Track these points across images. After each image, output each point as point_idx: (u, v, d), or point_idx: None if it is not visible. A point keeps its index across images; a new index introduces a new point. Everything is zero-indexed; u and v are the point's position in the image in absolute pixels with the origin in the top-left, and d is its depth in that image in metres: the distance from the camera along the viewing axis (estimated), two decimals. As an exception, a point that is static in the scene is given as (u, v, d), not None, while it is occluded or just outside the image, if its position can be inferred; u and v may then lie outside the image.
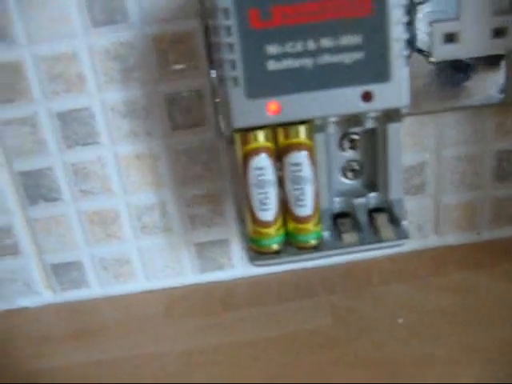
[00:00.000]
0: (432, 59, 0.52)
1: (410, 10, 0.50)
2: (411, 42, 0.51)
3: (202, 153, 0.54)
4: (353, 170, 0.50)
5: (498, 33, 0.52)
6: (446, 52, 0.52)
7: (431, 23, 0.51)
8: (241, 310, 0.56)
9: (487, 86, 0.54)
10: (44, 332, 0.57)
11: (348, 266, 0.59)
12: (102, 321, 0.57)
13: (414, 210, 0.59)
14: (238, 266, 0.59)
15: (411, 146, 0.56)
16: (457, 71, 0.53)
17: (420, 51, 0.51)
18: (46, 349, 0.54)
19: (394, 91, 0.42)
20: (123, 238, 0.57)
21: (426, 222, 0.59)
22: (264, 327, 0.53)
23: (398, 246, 0.47)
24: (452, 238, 0.60)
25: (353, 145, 0.49)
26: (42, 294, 0.60)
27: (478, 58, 0.52)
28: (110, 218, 0.56)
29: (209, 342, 0.52)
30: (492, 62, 0.53)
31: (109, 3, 0.49)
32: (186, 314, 0.56)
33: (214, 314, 0.56)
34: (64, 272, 0.59)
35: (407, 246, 0.56)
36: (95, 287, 0.60)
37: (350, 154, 0.49)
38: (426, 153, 0.56)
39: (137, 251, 0.58)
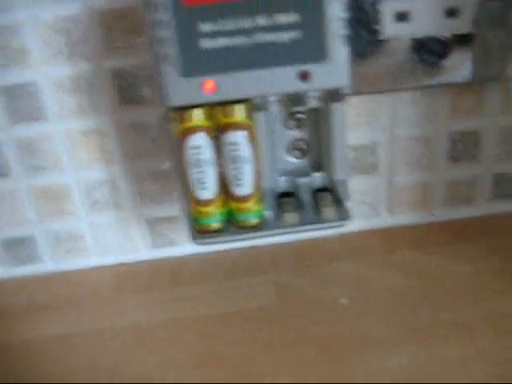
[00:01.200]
0: (382, 37, 0.51)
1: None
2: (360, 21, 0.50)
3: (151, 129, 0.53)
4: (299, 149, 0.49)
5: (451, 13, 0.51)
6: (396, 30, 0.51)
7: (381, 1, 0.50)
8: (190, 286, 0.56)
9: (454, 65, 0.53)
10: (-4, 307, 0.57)
11: (298, 244, 0.59)
12: (55, 296, 0.57)
13: (367, 189, 0.58)
14: (188, 243, 0.58)
15: (364, 125, 0.55)
16: (423, 51, 0.52)
17: (370, 30, 0.50)
18: (-2, 324, 0.54)
19: (333, 71, 0.41)
20: (75, 213, 0.57)
21: (380, 201, 0.59)
22: (211, 304, 0.53)
23: (340, 226, 0.47)
24: (405, 218, 0.60)
25: (298, 124, 0.48)
26: (-6, 269, 0.60)
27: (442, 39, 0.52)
28: (61, 194, 0.56)
29: (157, 318, 0.52)
30: (459, 42, 0.52)
31: (52, -24, 0.47)
32: (136, 289, 0.56)
33: (164, 290, 0.56)
34: (16, 247, 0.59)
35: (360, 225, 0.57)
36: (48, 263, 0.60)
37: (296, 133, 0.49)
38: (379, 132, 0.56)
39: (88, 227, 0.58)
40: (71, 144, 0.53)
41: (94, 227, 0.58)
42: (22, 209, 0.57)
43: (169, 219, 0.58)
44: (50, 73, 0.50)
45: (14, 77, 0.50)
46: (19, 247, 0.58)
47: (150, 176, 0.55)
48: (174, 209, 0.57)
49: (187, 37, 0.39)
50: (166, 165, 0.54)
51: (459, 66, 0.53)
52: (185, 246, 0.59)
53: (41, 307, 0.56)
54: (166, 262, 0.59)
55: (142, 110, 0.52)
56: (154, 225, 0.58)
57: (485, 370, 0.42)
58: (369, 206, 0.59)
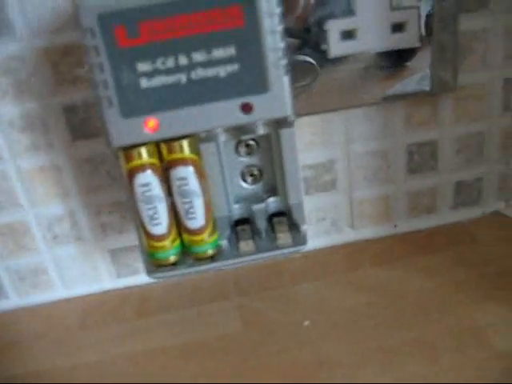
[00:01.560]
0: (329, 56, 0.51)
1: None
2: (308, 42, 0.50)
3: (104, 162, 0.53)
4: (252, 175, 0.49)
5: (397, 28, 0.51)
6: (344, 48, 0.51)
7: (327, 20, 0.50)
8: (154, 315, 0.56)
9: (409, 77, 0.53)
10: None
11: (261, 265, 0.59)
12: (21, 333, 0.57)
13: (327, 206, 0.59)
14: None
15: (319, 144, 0.55)
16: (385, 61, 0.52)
17: (317, 50, 0.50)
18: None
19: (275, 101, 0.41)
20: (36, 248, 0.57)
21: (341, 217, 0.59)
22: (176, 334, 0.53)
23: (297, 251, 0.47)
24: (369, 232, 0.61)
25: (249, 150, 0.48)
26: (-41, 308, 0.60)
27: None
28: (21, 230, 0.56)
29: (121, 352, 0.52)
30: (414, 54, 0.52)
31: (-8, 16, 0.47)
32: (101, 322, 0.56)
33: (129, 321, 0.56)
34: (-20, 285, 0.58)
35: (323, 241, 0.57)
36: (13, 298, 0.60)
37: (247, 159, 0.48)
38: (335, 149, 0.56)
39: (51, 261, 0.58)
40: (26, 181, 0.53)
41: (56, 261, 0.58)
42: (-18, 247, 0.56)
43: (131, 248, 0.58)
44: (1, 113, 0.50)
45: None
46: (-17, 285, 0.58)
47: (109, 207, 0.55)
48: (134, 238, 0.56)
49: (125, 78, 0.39)
50: (123, 196, 0.54)
51: (419, 70, 0.53)
52: (149, 275, 0.59)
53: (7, 344, 0.55)
54: (131, 290, 0.59)
55: (95, 143, 0.52)
56: (117, 255, 0.58)
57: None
58: (330, 223, 0.59)
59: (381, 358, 0.46)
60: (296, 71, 0.49)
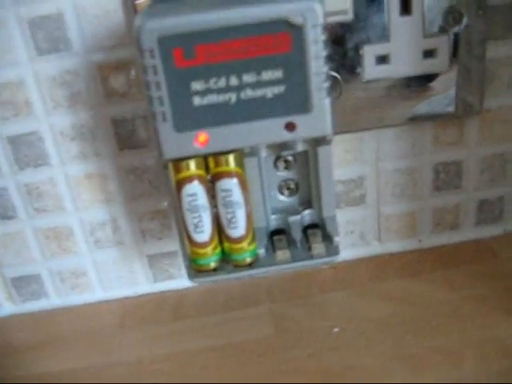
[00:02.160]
0: (364, 80, 0.54)
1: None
2: (343, 64, 0.53)
3: (148, 171, 0.56)
4: (289, 189, 0.52)
5: (429, 54, 0.54)
6: (377, 73, 0.54)
7: (362, 46, 0.53)
8: (190, 319, 0.58)
9: (436, 99, 0.56)
10: (4, 343, 0.59)
11: (292, 275, 0.62)
12: (61, 331, 0.60)
13: (356, 219, 0.61)
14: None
15: (351, 161, 0.58)
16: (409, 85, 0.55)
17: (353, 72, 0.53)
18: (6, 359, 0.57)
19: (316, 121, 0.44)
20: (78, 252, 0.60)
21: (368, 230, 0.62)
22: (211, 336, 0.56)
23: (330, 262, 0.50)
24: (394, 246, 0.63)
25: (287, 165, 0.51)
26: (3, 306, 0.63)
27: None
28: (64, 233, 0.59)
29: (160, 352, 0.55)
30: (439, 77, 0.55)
31: (51, 33, 0.51)
32: (139, 323, 0.59)
33: (165, 323, 0.59)
34: (23, 285, 0.62)
35: (351, 253, 0.60)
36: (54, 298, 0.63)
37: (285, 173, 0.52)
38: (365, 166, 0.59)
39: (91, 264, 0.61)
40: (73, 187, 0.56)
41: (96, 264, 0.61)
42: (28, 249, 0.59)
43: (168, 254, 0.61)
44: (53, 122, 0.53)
45: (20, 127, 0.53)
46: (26, 284, 0.61)
47: (150, 215, 0.58)
48: (172, 245, 0.60)
49: (179, 95, 0.42)
50: (164, 204, 0.57)
51: (443, 91, 0.56)
52: (183, 280, 0.62)
53: (47, 342, 0.58)
54: (167, 295, 0.62)
55: (140, 154, 0.55)
56: (155, 260, 0.61)
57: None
58: (358, 236, 0.62)
59: (407, 364, 0.49)
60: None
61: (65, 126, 0.54)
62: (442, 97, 0.56)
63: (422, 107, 0.57)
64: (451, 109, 0.57)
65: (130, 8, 0.50)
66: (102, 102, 0.53)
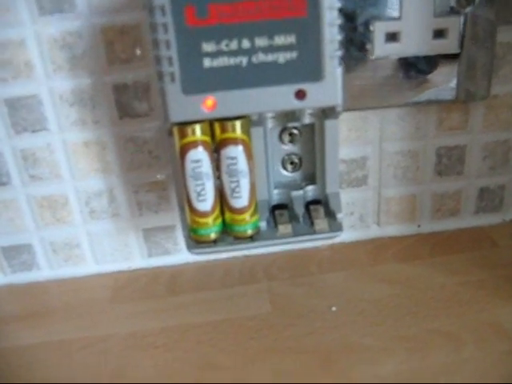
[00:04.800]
0: (372, 57, 0.53)
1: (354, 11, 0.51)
2: (351, 40, 0.52)
3: (149, 141, 0.55)
4: (292, 163, 0.51)
5: (439, 34, 0.53)
6: (387, 50, 0.53)
7: (373, 22, 0.52)
8: (186, 294, 0.57)
9: (439, 83, 0.55)
10: (-6, 312, 0.58)
11: (290, 253, 0.61)
12: (52, 303, 0.59)
13: (356, 201, 0.61)
14: (183, 251, 0.60)
15: (354, 140, 0.57)
16: (410, 68, 0.54)
17: (362, 49, 0.52)
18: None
19: (327, 90, 0.43)
20: (72, 222, 0.59)
21: (369, 213, 0.61)
22: (206, 312, 0.54)
23: (332, 237, 0.49)
24: (393, 230, 0.63)
25: (292, 138, 0.50)
26: (-8, 275, 0.61)
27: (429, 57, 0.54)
28: (59, 203, 0.58)
29: (153, 326, 0.54)
30: (444, 60, 0.54)
31: (56, -8, 0.49)
32: (132, 297, 0.58)
33: (159, 298, 0.57)
34: (14, 254, 0.60)
35: (349, 235, 0.59)
36: (45, 270, 0.61)
37: (289, 147, 0.51)
38: (368, 147, 0.58)
39: (86, 235, 0.60)
40: (70, 154, 0.55)
41: (91, 235, 0.59)
42: (20, 217, 0.58)
43: (164, 229, 0.60)
44: (53, 86, 0.52)
45: (18, 89, 0.52)
46: (17, 254, 0.60)
47: (147, 186, 0.57)
48: (169, 219, 0.59)
49: (189, 56, 0.41)
50: (161, 176, 0.56)
51: (445, 83, 0.55)
52: (179, 256, 0.61)
53: (36, 314, 0.57)
54: (162, 270, 0.61)
55: (140, 123, 0.54)
56: (150, 234, 0.60)
57: (470, 378, 0.44)
58: (358, 218, 0.61)
59: (404, 345, 0.48)
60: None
61: (65, 91, 0.53)
62: (447, 80, 0.55)
63: (428, 90, 0.55)
64: (452, 93, 0.56)
65: (140, -32, 0.49)
66: (104, 68, 0.52)
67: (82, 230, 0.59)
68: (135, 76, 0.53)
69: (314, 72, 0.43)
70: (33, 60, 0.52)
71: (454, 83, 0.56)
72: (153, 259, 0.61)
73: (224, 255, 0.60)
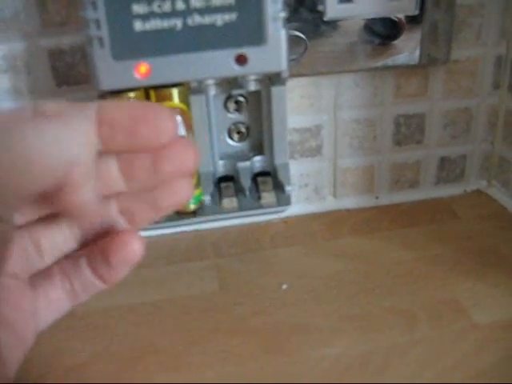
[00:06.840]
0: (325, 18, 0.50)
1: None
2: (304, 2, 0.49)
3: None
4: (239, 132, 0.48)
5: (395, -6, 0.50)
6: (340, 12, 0.50)
7: (325, -19, 0.49)
8: (129, 272, 0.54)
9: (403, 47, 0.53)
10: None
11: (242, 228, 0.58)
12: None
13: (311, 172, 0.58)
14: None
15: (307, 108, 0.54)
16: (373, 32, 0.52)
17: (313, 10, 0.49)
18: None
19: (270, 55, 0.41)
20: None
21: (324, 184, 0.59)
22: (150, 291, 0.52)
23: (280, 212, 0.46)
24: (350, 202, 0.60)
25: (238, 107, 0.47)
26: None
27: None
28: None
29: (92, 305, 0.50)
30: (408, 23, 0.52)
31: None
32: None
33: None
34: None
35: (304, 208, 0.56)
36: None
37: (236, 115, 0.48)
38: (322, 115, 0.55)
39: None
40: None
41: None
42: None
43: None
44: (-18, 51, 0.48)
45: None
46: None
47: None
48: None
49: (119, 18, 0.38)
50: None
51: (407, 48, 0.52)
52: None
53: None
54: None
55: (79, 90, 0.51)
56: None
57: (422, 359, 0.42)
58: (313, 190, 0.59)
59: (357, 324, 0.46)
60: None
61: (-5, 57, 0.49)
62: (406, 44, 0.52)
63: (389, 54, 0.53)
64: (415, 58, 0.53)
65: None
66: (38, 31, 0.48)
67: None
68: (70, 41, 0.49)
69: (256, 35, 0.40)
70: (-41, 23, 0.47)
71: (416, 48, 0.53)
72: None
73: (170, 230, 0.57)
